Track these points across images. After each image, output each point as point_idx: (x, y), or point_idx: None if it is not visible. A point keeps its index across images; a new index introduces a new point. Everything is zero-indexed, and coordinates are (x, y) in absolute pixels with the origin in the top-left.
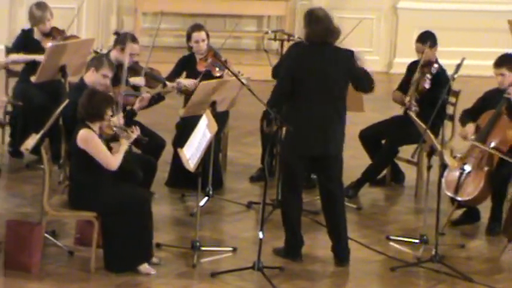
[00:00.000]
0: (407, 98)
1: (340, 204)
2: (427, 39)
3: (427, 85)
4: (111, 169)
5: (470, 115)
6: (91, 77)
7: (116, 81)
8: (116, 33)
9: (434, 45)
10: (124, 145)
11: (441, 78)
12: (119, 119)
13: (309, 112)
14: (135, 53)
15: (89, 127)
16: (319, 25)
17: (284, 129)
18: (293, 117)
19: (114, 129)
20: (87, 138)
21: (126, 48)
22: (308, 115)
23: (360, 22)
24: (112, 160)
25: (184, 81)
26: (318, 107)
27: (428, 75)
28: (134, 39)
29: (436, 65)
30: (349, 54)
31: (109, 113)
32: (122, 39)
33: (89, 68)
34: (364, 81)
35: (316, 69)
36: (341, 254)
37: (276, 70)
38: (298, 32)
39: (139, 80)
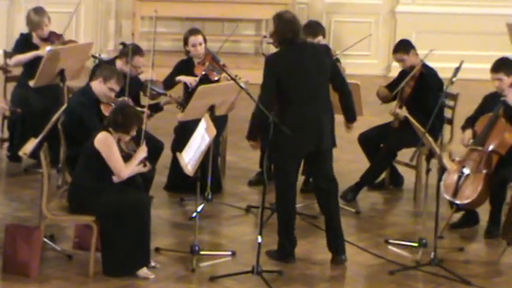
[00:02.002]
0: (394, 108)
1: (334, 200)
2: (399, 47)
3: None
4: (121, 177)
5: (471, 122)
6: (98, 86)
7: (120, 93)
8: (122, 43)
9: (409, 51)
10: (137, 160)
11: (427, 81)
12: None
13: (299, 110)
14: (139, 65)
15: (110, 133)
16: (289, 25)
17: (271, 130)
18: (283, 117)
19: (130, 149)
20: (106, 140)
21: (132, 62)
22: (298, 113)
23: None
24: (124, 169)
25: (185, 78)
26: (306, 103)
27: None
28: (141, 53)
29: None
30: (327, 49)
31: (133, 132)
32: (128, 52)
33: (97, 76)
34: (346, 82)
35: (298, 67)
36: (338, 250)
37: None
38: None
39: (149, 76)
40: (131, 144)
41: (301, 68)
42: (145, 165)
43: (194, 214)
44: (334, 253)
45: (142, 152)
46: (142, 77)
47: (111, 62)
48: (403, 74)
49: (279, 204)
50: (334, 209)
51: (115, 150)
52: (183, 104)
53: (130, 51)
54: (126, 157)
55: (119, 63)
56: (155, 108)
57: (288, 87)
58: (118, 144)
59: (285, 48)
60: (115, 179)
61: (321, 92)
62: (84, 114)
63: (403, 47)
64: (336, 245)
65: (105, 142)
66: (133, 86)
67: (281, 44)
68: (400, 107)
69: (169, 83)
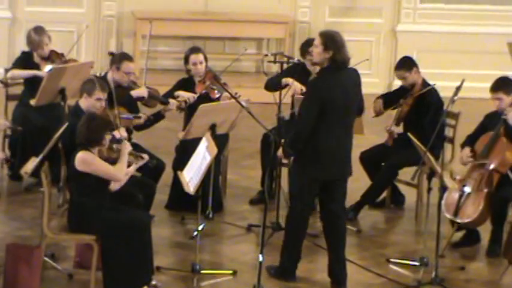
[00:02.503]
0: (390, 125)
1: (342, 226)
2: (402, 65)
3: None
4: (119, 180)
5: (471, 140)
6: (85, 102)
7: (110, 101)
8: (111, 53)
9: (412, 68)
10: (125, 155)
11: (427, 99)
12: (123, 130)
13: (331, 136)
14: (131, 72)
15: (88, 150)
16: (344, 49)
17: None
18: (314, 143)
19: (114, 148)
20: (86, 159)
21: (121, 67)
22: (330, 139)
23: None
24: (117, 172)
25: (184, 94)
26: (339, 131)
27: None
28: (129, 58)
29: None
30: (357, 73)
31: (107, 137)
32: (117, 59)
33: (81, 93)
34: (362, 102)
35: (342, 95)
36: (338, 278)
37: (270, 82)
38: (298, 54)
39: (142, 92)
40: (114, 145)
41: (343, 95)
42: (141, 158)
43: (195, 233)
44: (335, 284)
45: (126, 147)
46: (134, 93)
47: (103, 78)
48: (402, 89)
49: (291, 224)
50: (340, 236)
51: (98, 163)
52: (183, 108)
53: (118, 57)
54: (114, 162)
55: (110, 74)
56: (156, 117)
57: (329, 112)
58: (101, 154)
59: (327, 75)
60: (113, 186)
61: (352, 119)
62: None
63: (406, 64)
64: (338, 276)
65: (85, 161)
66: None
67: (328, 68)
68: (397, 125)
69: (168, 97)
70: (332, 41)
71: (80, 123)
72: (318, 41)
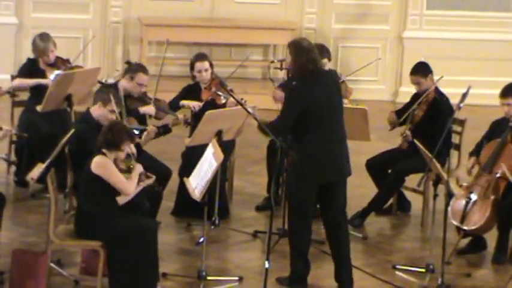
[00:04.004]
0: (404, 130)
1: (345, 232)
2: (418, 70)
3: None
4: (128, 194)
5: (478, 148)
6: (98, 111)
7: (126, 112)
8: (128, 62)
9: (427, 75)
10: (137, 175)
11: (439, 107)
12: (130, 148)
13: (322, 140)
14: (143, 83)
15: (105, 155)
16: (309, 54)
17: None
18: (306, 146)
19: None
20: (103, 163)
21: (136, 78)
22: (322, 143)
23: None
24: (128, 185)
25: (189, 103)
26: (330, 132)
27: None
28: (145, 70)
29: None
30: (336, 74)
31: (126, 147)
32: (133, 69)
33: (95, 101)
34: None
35: (323, 98)
36: (345, 284)
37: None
38: None
39: (149, 109)
40: (129, 161)
41: (326, 97)
42: (148, 177)
43: (201, 239)
44: (340, 286)
45: (138, 168)
46: (142, 110)
47: (114, 85)
48: (415, 97)
49: (294, 230)
50: (344, 242)
51: (114, 170)
52: (190, 123)
53: (135, 67)
54: (128, 171)
55: (123, 82)
56: (163, 130)
57: (314, 118)
58: (115, 163)
59: (306, 79)
60: (120, 200)
61: (342, 119)
62: (85, 140)
63: (422, 69)
64: (343, 279)
65: (102, 165)
66: (132, 109)
67: (301, 75)
68: (410, 130)
69: (174, 105)
70: (300, 48)
71: (104, 127)
72: (288, 51)
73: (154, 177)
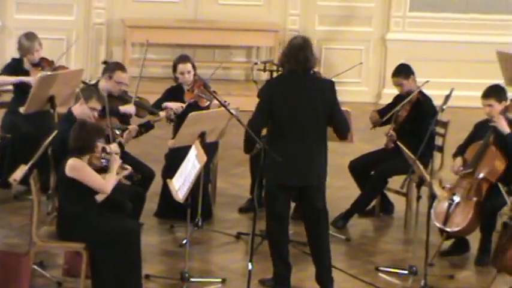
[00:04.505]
0: (389, 130)
1: (323, 232)
2: (400, 71)
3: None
4: (105, 192)
5: (462, 149)
6: (79, 109)
7: (104, 112)
8: (105, 62)
9: (409, 76)
10: (114, 169)
11: (423, 107)
12: (115, 146)
13: (286, 143)
14: (123, 82)
15: (78, 157)
16: (295, 52)
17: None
18: (272, 147)
19: (103, 161)
20: (76, 166)
21: (114, 77)
22: (285, 146)
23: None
24: (104, 183)
25: (171, 105)
26: (296, 137)
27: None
28: (122, 68)
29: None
30: (331, 84)
31: (99, 145)
32: (110, 67)
33: (77, 99)
34: (344, 125)
35: (293, 98)
36: (325, 283)
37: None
38: None
39: (129, 108)
40: (114, 149)
41: (296, 99)
42: (124, 169)
43: (184, 241)
44: (321, 286)
45: (116, 161)
46: (122, 109)
47: (95, 85)
48: (398, 99)
49: (269, 232)
50: (320, 240)
51: (88, 171)
52: (173, 119)
53: (112, 66)
54: (102, 170)
55: (102, 82)
56: (145, 128)
57: (280, 117)
58: (91, 162)
59: (284, 76)
60: (98, 198)
61: (315, 128)
62: (67, 139)
63: (404, 71)
64: (323, 279)
65: (75, 168)
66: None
67: (283, 72)
68: (394, 130)
69: (157, 107)
70: (289, 44)
71: (72, 130)
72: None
73: (130, 168)
